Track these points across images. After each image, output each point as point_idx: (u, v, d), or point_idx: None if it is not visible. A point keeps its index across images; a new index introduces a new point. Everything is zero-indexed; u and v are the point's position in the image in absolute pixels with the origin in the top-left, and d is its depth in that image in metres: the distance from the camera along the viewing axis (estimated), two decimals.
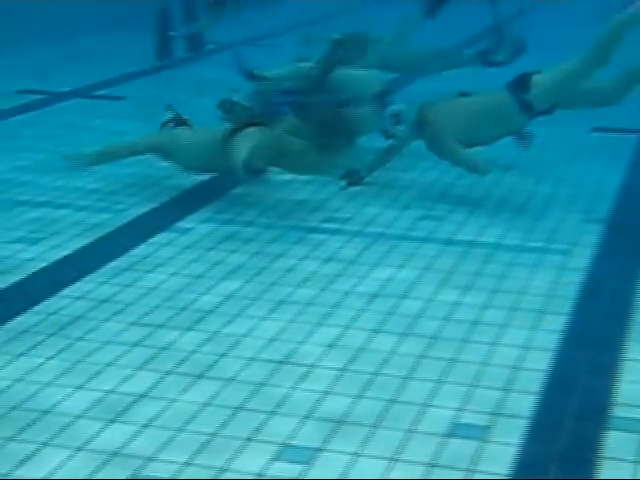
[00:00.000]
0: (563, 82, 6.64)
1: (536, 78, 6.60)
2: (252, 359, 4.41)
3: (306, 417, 3.92)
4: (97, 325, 4.74)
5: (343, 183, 6.78)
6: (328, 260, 5.64)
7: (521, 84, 6.61)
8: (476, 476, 3.55)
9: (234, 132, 6.46)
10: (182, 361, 4.38)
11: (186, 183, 7.04)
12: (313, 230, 6.15)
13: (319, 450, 3.69)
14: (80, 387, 4.14)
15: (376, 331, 4.71)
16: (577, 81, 6.74)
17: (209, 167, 6.82)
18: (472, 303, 5.05)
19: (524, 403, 4.04)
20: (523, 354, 4.48)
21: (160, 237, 6.00)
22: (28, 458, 3.63)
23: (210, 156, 6.62)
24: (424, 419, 3.92)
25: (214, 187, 7.01)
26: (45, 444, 3.71)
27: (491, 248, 5.85)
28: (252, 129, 6.45)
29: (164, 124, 7.16)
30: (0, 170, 7.37)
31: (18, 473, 3.53)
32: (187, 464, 3.60)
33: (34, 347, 4.50)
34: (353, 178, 6.78)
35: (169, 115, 7.25)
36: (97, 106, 9.68)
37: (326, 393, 4.12)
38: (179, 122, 7.11)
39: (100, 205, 6.59)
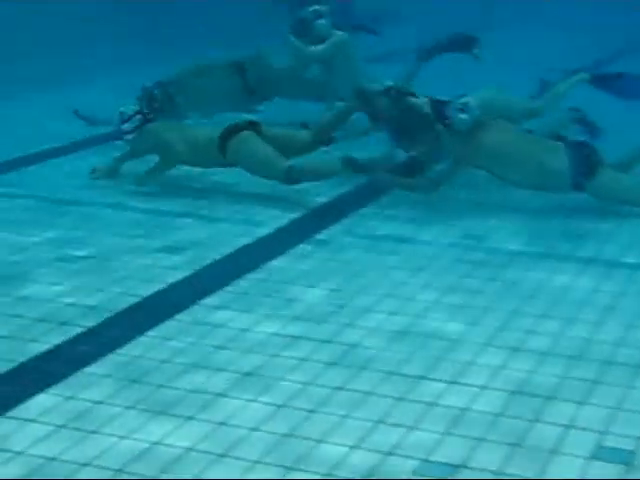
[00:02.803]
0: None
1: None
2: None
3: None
4: (236, 335, 4.80)
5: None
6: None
7: (587, 165, 6.63)
8: None
9: (230, 133, 7.12)
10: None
11: (321, 197, 7.11)
12: (453, 245, 6.13)
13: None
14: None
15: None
16: None
17: (201, 163, 7.39)
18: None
19: None
20: None
21: (299, 249, 6.05)
22: None
23: (205, 153, 7.24)
24: (567, 440, 3.84)
25: (348, 201, 7.06)
26: None
27: None
28: (247, 132, 7.14)
29: (128, 118, 7.57)
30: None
31: None
32: None
33: (175, 354, 4.60)
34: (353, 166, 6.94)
35: (133, 108, 7.66)
36: None
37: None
38: (145, 116, 7.61)
39: (238, 217, 6.69)
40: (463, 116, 6.86)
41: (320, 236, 6.29)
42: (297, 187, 7.08)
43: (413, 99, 7.42)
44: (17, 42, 10.83)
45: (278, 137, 7.25)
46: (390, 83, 7.90)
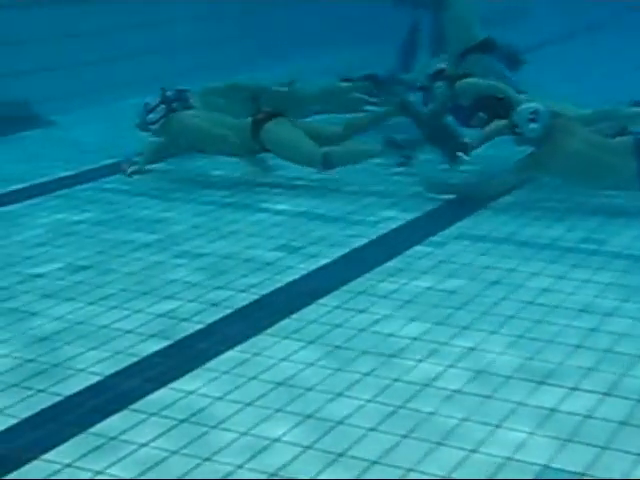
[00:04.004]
0: None
1: None
2: None
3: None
4: (354, 335, 4.79)
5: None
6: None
7: None
8: None
9: (261, 121, 7.35)
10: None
11: (437, 199, 7.08)
12: (570, 250, 6.03)
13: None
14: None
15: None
16: None
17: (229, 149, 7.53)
18: None
19: None
20: None
21: (415, 250, 6.02)
22: None
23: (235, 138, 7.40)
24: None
25: (463, 203, 6.99)
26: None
27: None
28: (281, 117, 7.39)
29: (152, 109, 7.65)
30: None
31: None
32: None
33: (292, 353, 4.62)
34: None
35: (156, 99, 7.69)
36: None
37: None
38: (169, 106, 7.66)
39: (354, 217, 6.69)
40: (534, 125, 6.75)
41: (435, 238, 6.25)
42: (413, 189, 7.07)
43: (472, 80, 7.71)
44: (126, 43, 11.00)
45: (307, 128, 7.46)
46: (442, 66, 8.23)
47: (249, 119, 7.54)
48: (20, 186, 7.52)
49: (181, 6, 11.76)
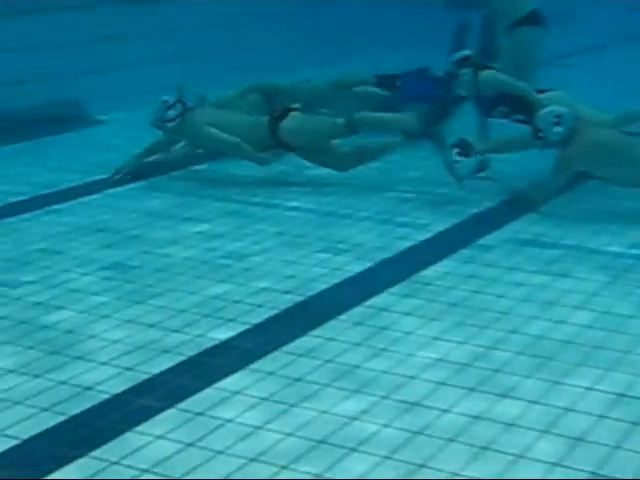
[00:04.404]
0: None
1: None
2: None
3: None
4: (403, 337, 4.79)
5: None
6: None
7: None
8: None
9: (279, 118, 7.51)
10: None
11: (487, 200, 7.06)
12: (620, 255, 5.98)
13: None
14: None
15: None
16: None
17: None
18: None
19: None
20: None
21: (461, 254, 6.00)
22: None
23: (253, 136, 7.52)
24: None
25: (510, 206, 6.95)
26: None
27: None
28: (296, 112, 7.55)
29: (171, 106, 7.64)
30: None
31: None
32: None
33: (338, 355, 4.62)
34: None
35: (171, 98, 7.67)
36: None
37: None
38: (184, 105, 7.67)
39: (401, 220, 6.68)
40: (558, 129, 6.74)
41: (482, 241, 6.23)
42: (457, 194, 7.07)
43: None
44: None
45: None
46: (468, 52, 8.25)
47: (265, 117, 7.63)
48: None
49: (237, 6, 11.81)
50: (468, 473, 3.62)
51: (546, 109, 6.92)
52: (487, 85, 7.86)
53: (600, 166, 6.75)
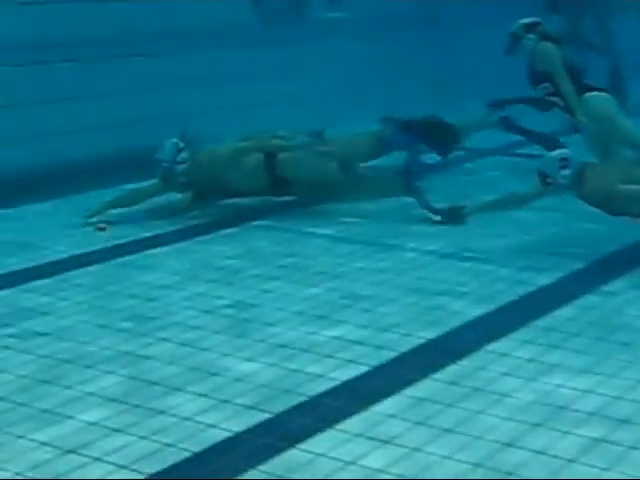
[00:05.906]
0: None
1: None
2: None
3: None
4: (522, 385, 4.72)
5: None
6: None
7: None
8: None
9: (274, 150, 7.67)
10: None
11: (609, 244, 6.93)
12: None
13: None
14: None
15: None
16: None
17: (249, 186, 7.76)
18: None
19: None
20: None
21: (584, 300, 5.90)
22: None
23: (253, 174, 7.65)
24: None
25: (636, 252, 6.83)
26: None
27: None
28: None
29: (182, 148, 7.68)
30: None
31: None
32: None
33: (459, 400, 4.58)
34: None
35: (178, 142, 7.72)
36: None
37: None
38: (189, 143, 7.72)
39: (522, 263, 6.61)
40: (565, 172, 6.64)
41: (607, 287, 6.11)
42: (579, 237, 6.97)
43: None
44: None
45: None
46: (538, 19, 8.58)
47: (261, 155, 7.69)
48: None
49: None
50: None
51: (550, 154, 6.89)
52: (540, 57, 8.28)
53: (609, 206, 6.57)
